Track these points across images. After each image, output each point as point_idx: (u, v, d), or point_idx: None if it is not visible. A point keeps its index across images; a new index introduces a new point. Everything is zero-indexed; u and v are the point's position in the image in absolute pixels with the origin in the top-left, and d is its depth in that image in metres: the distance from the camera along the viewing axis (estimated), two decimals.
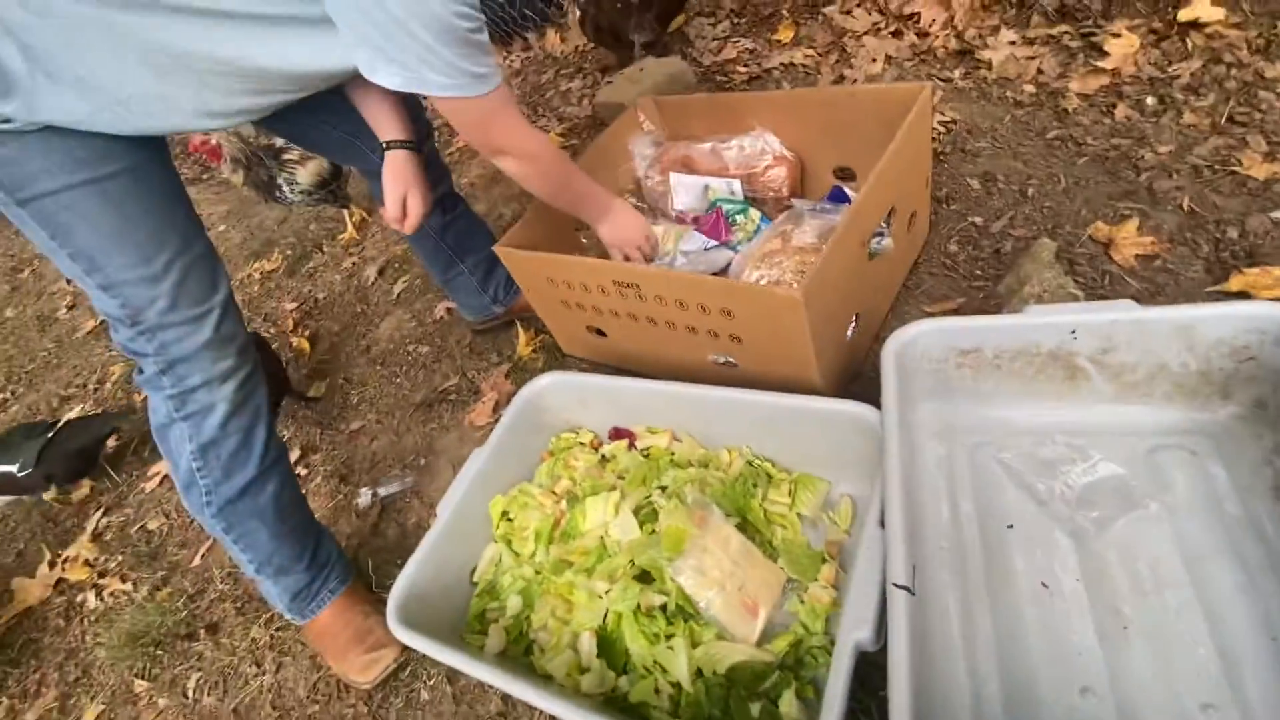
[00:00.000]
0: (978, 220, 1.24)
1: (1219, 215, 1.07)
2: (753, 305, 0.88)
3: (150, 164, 0.80)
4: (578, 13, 2.07)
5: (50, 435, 1.53)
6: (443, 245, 1.26)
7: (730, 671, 0.76)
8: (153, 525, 1.46)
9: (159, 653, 1.20)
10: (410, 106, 1.03)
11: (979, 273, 1.15)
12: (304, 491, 1.27)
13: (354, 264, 1.99)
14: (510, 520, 1.01)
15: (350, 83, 0.90)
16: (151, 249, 0.79)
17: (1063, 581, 0.73)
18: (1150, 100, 1.30)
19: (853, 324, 1.00)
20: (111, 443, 1.65)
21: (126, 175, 0.77)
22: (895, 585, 0.62)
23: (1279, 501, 0.72)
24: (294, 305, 1.93)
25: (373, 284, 1.87)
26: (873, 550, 0.68)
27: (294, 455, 1.45)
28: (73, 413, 1.96)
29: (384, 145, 1.00)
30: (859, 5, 1.92)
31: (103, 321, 2.47)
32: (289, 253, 2.22)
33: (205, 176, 3.02)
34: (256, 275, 2.20)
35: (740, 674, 0.75)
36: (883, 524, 0.68)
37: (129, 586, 1.34)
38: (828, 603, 0.79)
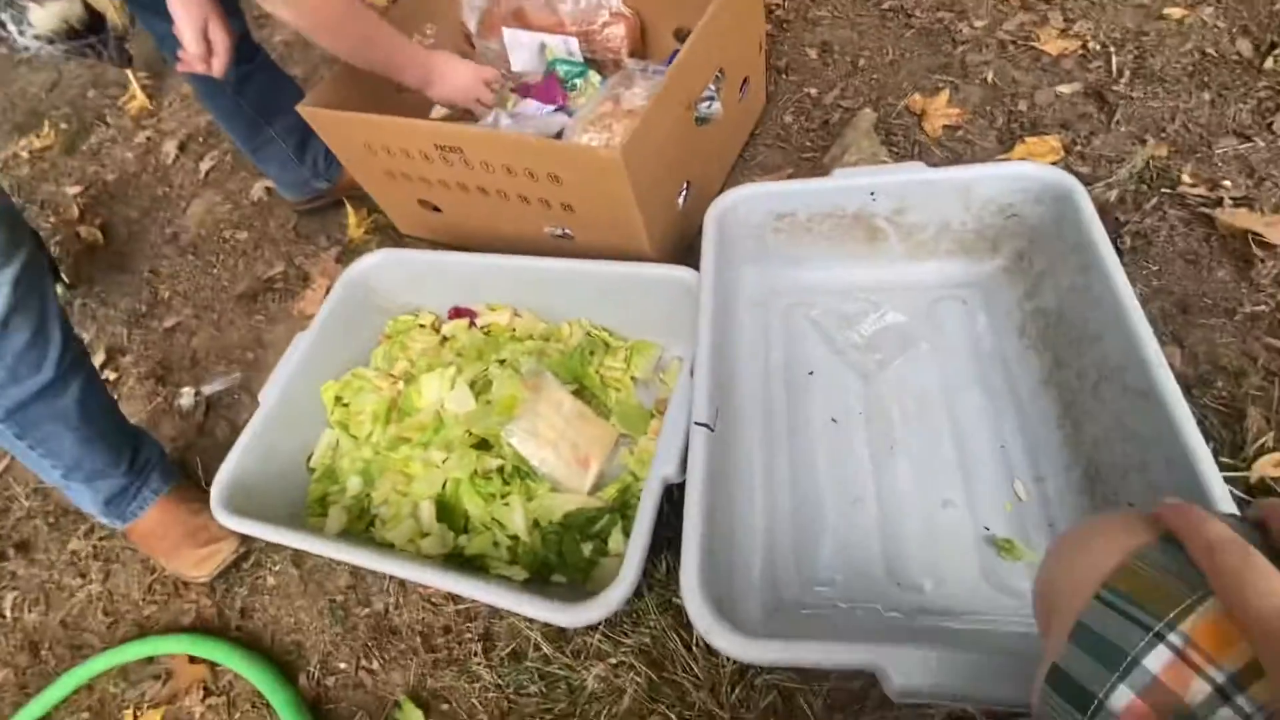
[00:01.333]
0: (812, 91, 1.26)
1: (1015, 89, 1.17)
2: (577, 168, 0.86)
3: None
4: None
5: None
6: (241, 104, 1.10)
7: (564, 519, 0.81)
8: None
9: None
10: None
11: (808, 144, 1.19)
12: (116, 396, 1.15)
13: (149, 139, 1.70)
14: (345, 405, 0.98)
15: None
16: None
17: (850, 416, 0.84)
18: None
19: (684, 191, 1.01)
20: None
21: None
22: (696, 424, 0.67)
23: (1022, 339, 0.86)
24: (78, 189, 1.64)
25: (174, 162, 1.61)
26: (683, 397, 0.73)
27: (99, 359, 1.29)
28: None
29: None
30: None
31: None
32: (64, 126, 1.86)
33: None
34: (25, 154, 1.83)
35: (574, 520, 0.81)
36: (693, 373, 0.73)
37: None
38: (654, 452, 0.85)
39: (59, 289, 1.29)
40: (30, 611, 1.04)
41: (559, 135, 1.02)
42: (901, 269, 0.94)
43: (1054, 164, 1.00)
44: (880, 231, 0.91)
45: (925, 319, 0.90)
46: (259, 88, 1.10)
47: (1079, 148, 1.06)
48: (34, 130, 1.88)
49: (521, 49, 1.21)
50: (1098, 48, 1.18)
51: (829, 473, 0.80)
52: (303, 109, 0.98)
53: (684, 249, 1.06)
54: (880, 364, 0.86)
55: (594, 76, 1.15)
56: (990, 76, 1.20)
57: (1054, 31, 1.24)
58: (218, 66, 0.88)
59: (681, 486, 0.70)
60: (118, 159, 1.69)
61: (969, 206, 0.88)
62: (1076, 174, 0.83)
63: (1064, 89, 1.14)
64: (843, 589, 0.72)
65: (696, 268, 0.86)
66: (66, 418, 0.84)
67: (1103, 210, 0.83)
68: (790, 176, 1.14)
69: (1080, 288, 0.76)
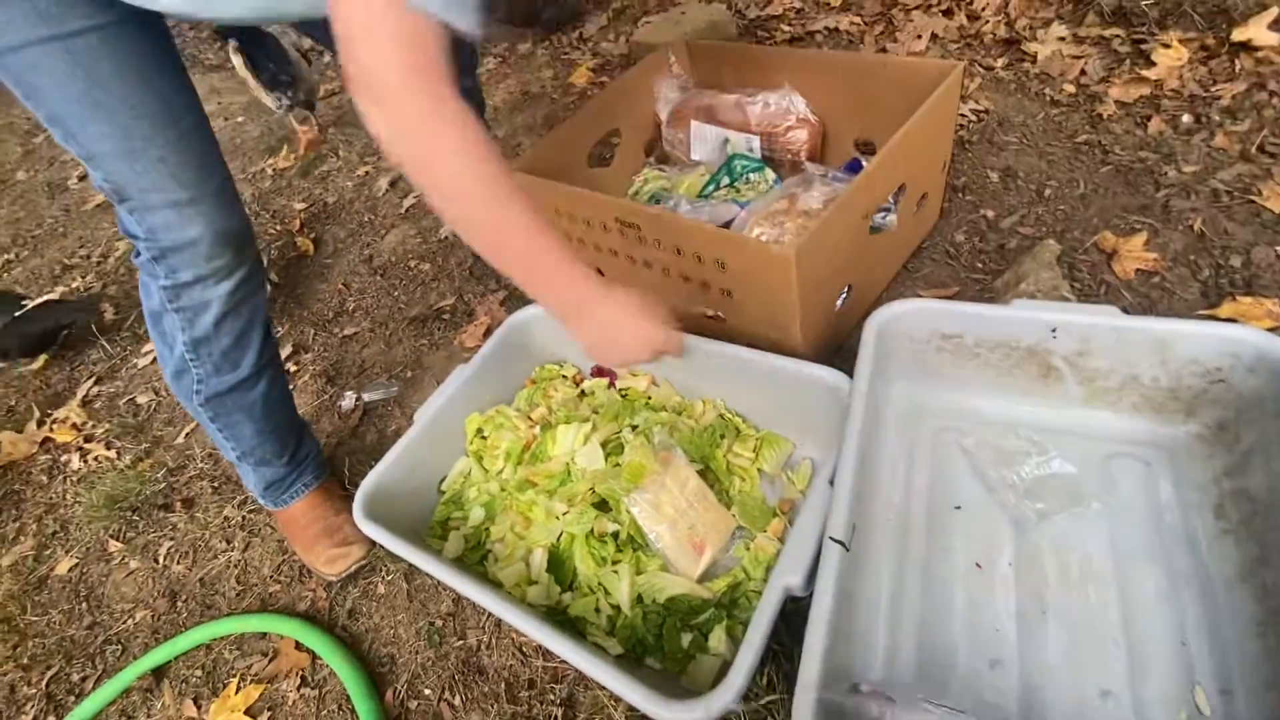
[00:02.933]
0: (989, 213, 1.23)
1: (1226, 241, 1.07)
2: (746, 259, 0.88)
3: (128, 24, 0.71)
4: None
5: (16, 314, 1.55)
6: None
7: (669, 601, 0.79)
8: (141, 400, 1.50)
9: (135, 518, 1.25)
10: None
11: (980, 265, 1.15)
12: (292, 388, 1.30)
13: (368, 173, 1.98)
14: (484, 438, 1.04)
15: None
16: (126, 118, 0.72)
17: (996, 564, 0.76)
18: (1186, 117, 1.28)
19: (844, 294, 1.01)
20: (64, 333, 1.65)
21: (95, 34, 0.69)
22: (831, 539, 0.64)
23: (1218, 520, 0.75)
24: (303, 206, 1.93)
25: (383, 195, 1.86)
26: (818, 505, 0.71)
27: (286, 351, 1.47)
28: (73, 285, 1.98)
29: None
30: None
31: None
32: (304, 152, 2.21)
33: (229, 64, 2.96)
34: (269, 171, 2.19)
35: (678, 605, 0.79)
36: (833, 483, 0.71)
37: (113, 454, 1.38)
38: (771, 553, 0.82)
39: (268, 286, 1.49)
40: (178, 563, 1.17)
41: (729, 224, 1.07)
42: (1075, 414, 0.86)
43: (1270, 329, 0.89)
44: (1056, 371, 0.85)
45: (1098, 474, 0.81)
46: None
47: None
48: (279, 153, 2.26)
49: (705, 141, 1.29)
50: None
51: (966, 623, 0.72)
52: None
53: (833, 349, 1.05)
54: (1040, 514, 0.78)
55: (769, 173, 1.20)
56: (1198, 225, 1.11)
57: (1279, 188, 1.13)
58: None
59: (797, 598, 0.67)
60: (339, 185, 1.97)
61: (1165, 362, 0.80)
62: None
63: None
64: None
65: (844, 369, 0.84)
66: (251, 410, 0.95)
67: None
68: (956, 295, 1.11)
69: None
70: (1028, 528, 0.78)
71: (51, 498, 1.35)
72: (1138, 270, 1.06)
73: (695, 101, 1.31)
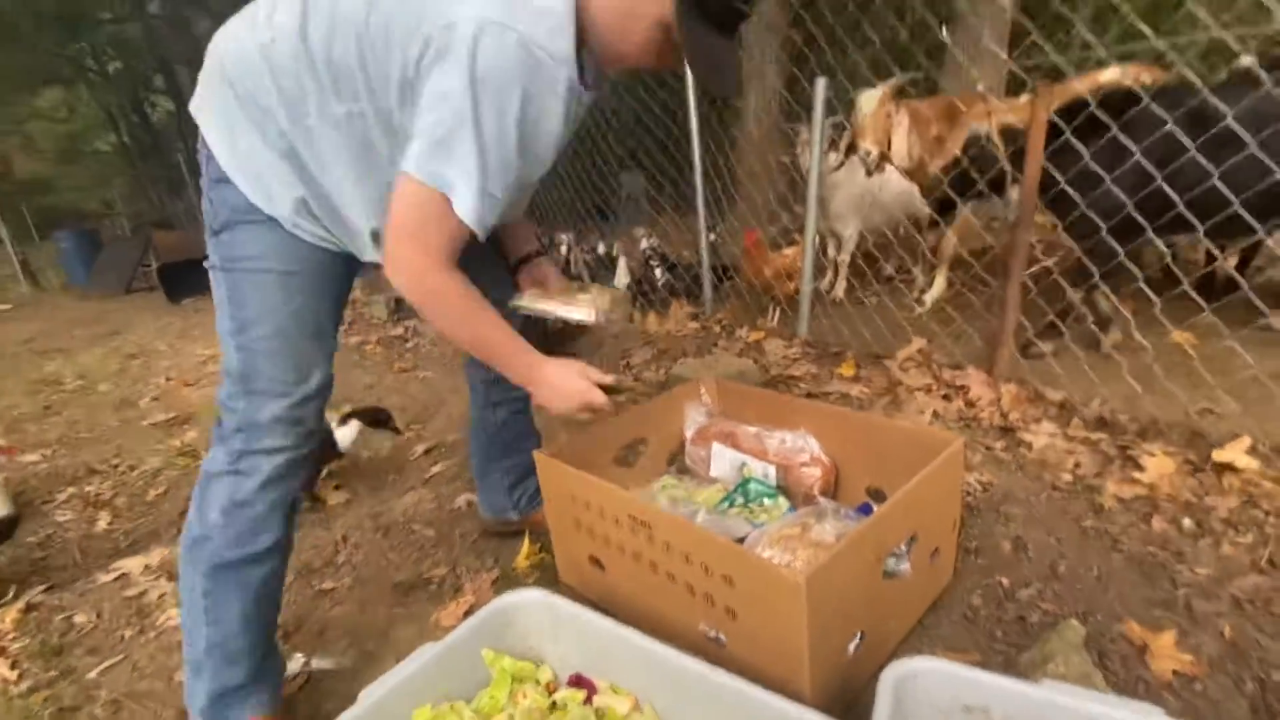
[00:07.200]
0: (1004, 581, 1.20)
1: (1263, 655, 1.00)
2: (754, 578, 0.86)
3: (330, 280, 0.96)
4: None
5: None
6: (496, 439, 1.35)
7: None
8: (80, 619, 1.37)
9: None
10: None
11: (1000, 634, 1.08)
12: None
13: (408, 438, 2.10)
14: None
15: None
16: (292, 331, 0.92)
17: None
18: (1187, 521, 1.32)
19: (856, 641, 0.94)
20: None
21: (308, 274, 0.93)
22: None
23: None
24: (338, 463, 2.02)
25: (414, 460, 1.95)
26: None
27: None
28: (86, 489, 2.00)
29: (520, 260, 1.18)
30: (916, 366, 2.17)
31: (172, 417, 2.64)
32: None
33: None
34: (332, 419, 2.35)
35: None
36: None
37: (13, 675, 1.21)
38: None
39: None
40: None
41: (741, 540, 1.07)
42: None
43: None
44: None
45: None
46: (515, 432, 1.35)
47: None
48: (338, 407, 2.46)
49: (724, 461, 1.38)
50: None
51: None
52: (538, 455, 1.18)
53: (844, 702, 0.93)
54: None
55: (783, 501, 1.24)
56: (1228, 631, 1.05)
57: None
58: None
59: None
60: (378, 444, 2.08)
61: None
62: None
63: None
64: None
65: None
66: (246, 590, 0.96)
67: None
68: (977, 663, 1.01)
69: None
70: None
71: None
72: (1175, 672, 0.98)
73: (718, 427, 1.44)
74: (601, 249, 4.45)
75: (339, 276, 0.99)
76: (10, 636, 1.32)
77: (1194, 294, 1.71)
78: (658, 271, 3.36)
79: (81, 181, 13.40)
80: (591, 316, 1.10)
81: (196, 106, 0.92)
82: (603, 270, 3.97)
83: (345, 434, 1.73)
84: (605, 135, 3.75)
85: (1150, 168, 1.68)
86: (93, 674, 1.21)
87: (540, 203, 4.93)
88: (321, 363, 0.97)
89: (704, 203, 2.89)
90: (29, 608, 1.41)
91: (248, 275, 0.91)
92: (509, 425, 1.34)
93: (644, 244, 3.88)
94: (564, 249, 4.63)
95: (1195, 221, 1.65)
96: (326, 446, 1.66)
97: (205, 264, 0.95)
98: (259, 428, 0.94)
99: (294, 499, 1.01)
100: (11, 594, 1.45)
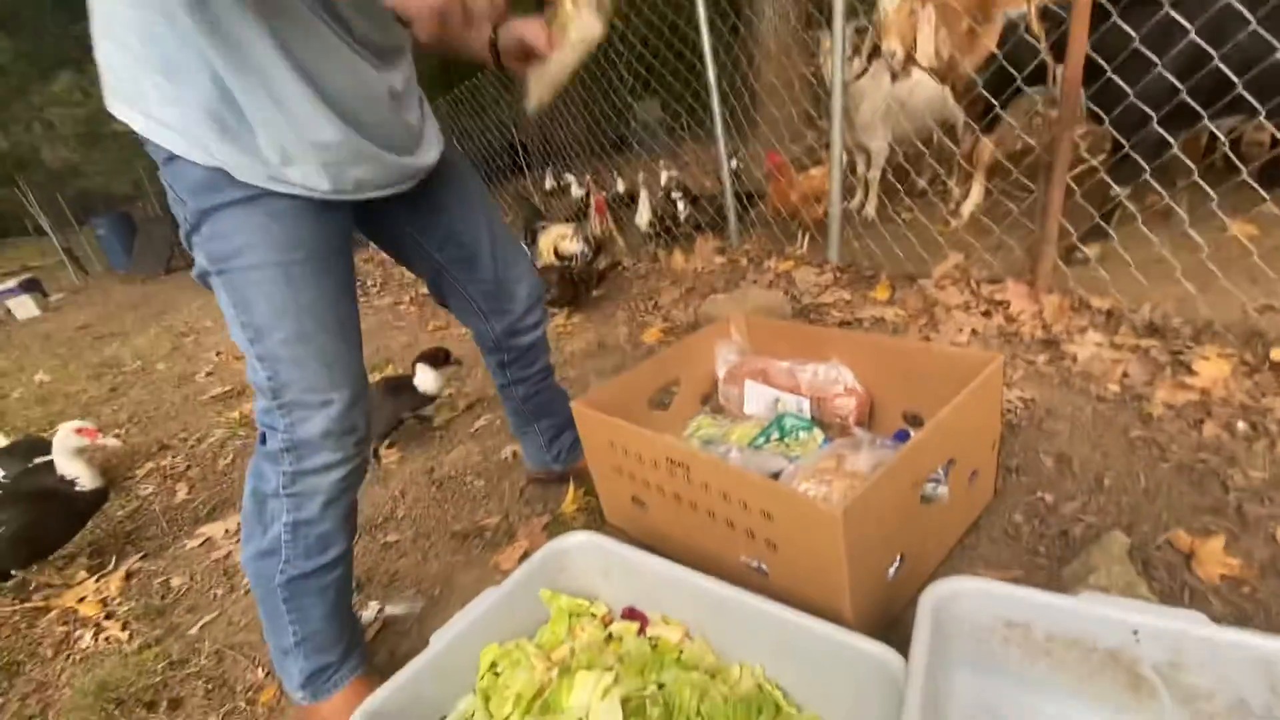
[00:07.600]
0: (1047, 497, 1.20)
1: None
2: (791, 513, 0.88)
3: (334, 255, 0.87)
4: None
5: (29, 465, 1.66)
6: (523, 409, 1.37)
7: None
8: (176, 581, 1.50)
9: (117, 713, 1.16)
10: None
11: (1042, 550, 1.09)
12: None
13: (449, 395, 2.17)
14: (496, 674, 0.96)
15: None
16: (311, 329, 0.84)
17: None
18: (1242, 425, 1.29)
19: (896, 564, 0.97)
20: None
21: (311, 263, 0.84)
22: None
23: None
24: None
25: (458, 416, 2.02)
26: None
27: None
28: (162, 463, 2.14)
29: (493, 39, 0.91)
30: (953, 284, 2.10)
31: (228, 390, 2.78)
32: (401, 370, 2.48)
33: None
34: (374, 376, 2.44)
35: None
36: None
37: (125, 635, 1.35)
38: None
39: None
40: None
41: (777, 475, 1.09)
42: None
43: None
44: (1147, 683, 0.75)
45: None
46: (539, 403, 1.36)
47: None
48: (381, 369, 2.54)
49: (758, 398, 1.38)
50: None
51: None
52: (575, 405, 1.20)
53: (886, 622, 0.97)
54: None
55: (818, 433, 1.25)
56: (1279, 535, 1.04)
57: None
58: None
59: None
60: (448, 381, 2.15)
61: (1275, 689, 0.69)
62: None
63: None
64: None
65: (898, 646, 0.77)
66: (324, 593, 0.97)
67: None
68: (1020, 580, 1.03)
69: None
70: None
71: (47, 675, 1.29)
72: (1223, 576, 0.98)
73: (750, 364, 1.44)
74: (621, 186, 4.33)
75: (339, 249, 0.89)
76: (117, 601, 1.46)
77: (1253, 183, 1.59)
78: (680, 205, 3.28)
79: (107, 165, 13.61)
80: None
81: (109, 101, 0.79)
82: (622, 208, 3.89)
83: (428, 379, 1.78)
84: (615, 63, 3.60)
85: (1207, 47, 1.53)
86: (194, 630, 1.34)
87: (554, 140, 4.81)
88: (353, 358, 0.90)
89: (723, 127, 2.78)
90: (129, 575, 1.55)
91: (244, 274, 0.81)
92: (531, 399, 1.35)
93: (663, 175, 3.76)
94: (574, 190, 4.52)
95: (1256, 103, 1.51)
96: (415, 397, 1.73)
97: (194, 276, 0.86)
98: (309, 445, 0.88)
99: (356, 508, 0.99)
100: (113, 563, 1.60)
